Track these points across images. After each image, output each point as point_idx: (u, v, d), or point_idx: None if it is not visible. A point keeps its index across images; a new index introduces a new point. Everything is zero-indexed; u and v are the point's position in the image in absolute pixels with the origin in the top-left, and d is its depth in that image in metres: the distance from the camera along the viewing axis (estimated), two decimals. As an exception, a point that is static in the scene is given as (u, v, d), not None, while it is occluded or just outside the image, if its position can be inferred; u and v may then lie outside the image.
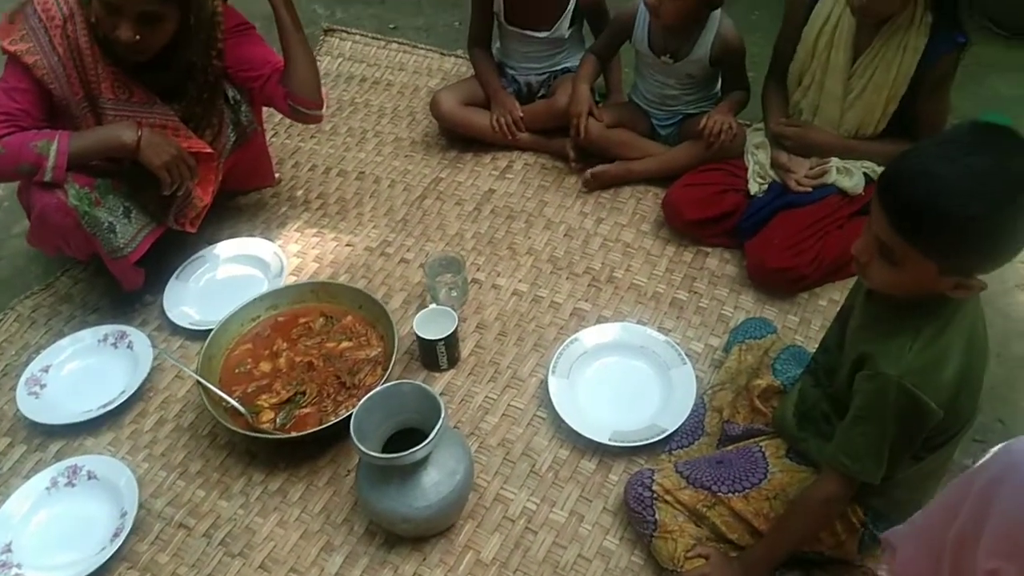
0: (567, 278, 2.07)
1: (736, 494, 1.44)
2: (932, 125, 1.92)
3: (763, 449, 1.49)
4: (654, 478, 1.48)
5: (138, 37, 1.65)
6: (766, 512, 1.42)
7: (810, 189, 1.98)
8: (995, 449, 0.92)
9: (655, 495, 1.46)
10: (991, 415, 1.78)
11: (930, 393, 1.15)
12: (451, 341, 1.79)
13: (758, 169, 2.07)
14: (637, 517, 1.48)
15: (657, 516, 1.45)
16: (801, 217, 1.95)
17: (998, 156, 1.04)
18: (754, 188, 2.06)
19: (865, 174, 1.98)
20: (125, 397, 1.79)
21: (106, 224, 1.79)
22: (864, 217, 2.00)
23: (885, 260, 1.15)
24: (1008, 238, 1.08)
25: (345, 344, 1.80)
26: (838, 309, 1.85)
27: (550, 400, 1.74)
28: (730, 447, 1.57)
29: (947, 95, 1.94)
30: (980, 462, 0.94)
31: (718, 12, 2.06)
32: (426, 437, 1.40)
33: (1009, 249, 1.11)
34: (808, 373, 1.51)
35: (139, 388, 1.82)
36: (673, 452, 1.65)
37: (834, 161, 1.99)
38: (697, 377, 1.77)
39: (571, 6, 2.25)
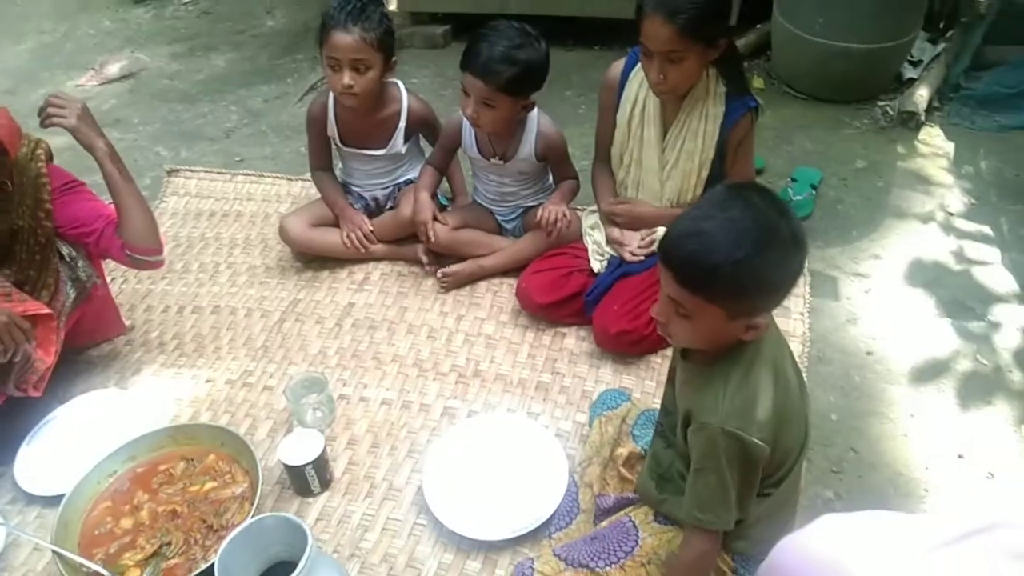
0: (434, 379, 2.10)
1: (613, 566, 1.47)
2: None
3: (633, 518, 1.54)
4: (534, 566, 1.50)
5: None
6: None
7: (643, 258, 2.12)
8: (765, 563, 1.00)
9: None
10: (843, 446, 1.90)
11: (752, 431, 1.24)
12: (319, 463, 1.78)
13: (596, 248, 2.21)
14: None
15: None
16: (636, 283, 2.08)
17: (747, 207, 1.18)
18: (596, 266, 2.19)
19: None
20: (-25, 583, 1.68)
21: (-62, 402, 1.71)
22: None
23: (680, 316, 1.25)
24: (773, 276, 1.20)
25: (209, 485, 1.76)
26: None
27: (428, 506, 1.74)
28: (604, 521, 1.61)
29: (751, 155, 2.13)
30: (758, 572, 1.01)
31: (535, 112, 2.21)
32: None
33: (778, 287, 1.23)
34: (658, 436, 1.59)
35: (-9, 570, 1.72)
36: (553, 536, 1.67)
37: (661, 230, 2.14)
38: (568, 455, 1.82)
39: (402, 124, 2.36)
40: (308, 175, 2.63)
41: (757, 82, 3.29)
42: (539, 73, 2.08)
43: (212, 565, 1.51)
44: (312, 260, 2.50)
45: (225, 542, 1.43)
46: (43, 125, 1.84)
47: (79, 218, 1.93)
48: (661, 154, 2.11)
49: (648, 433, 1.70)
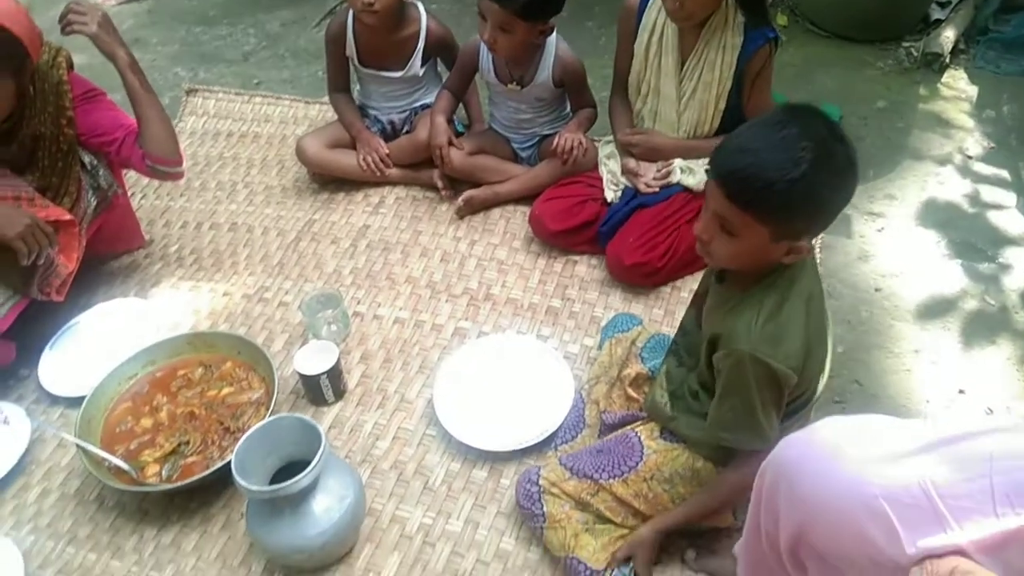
0: (446, 300, 2.14)
1: (616, 479, 1.51)
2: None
3: (639, 434, 1.57)
4: (540, 473, 1.54)
5: None
6: (644, 493, 1.50)
7: (658, 190, 2.12)
8: (768, 457, 1.03)
9: (542, 489, 1.52)
10: (848, 378, 1.93)
11: (781, 360, 1.26)
12: (334, 374, 1.83)
13: (611, 178, 2.21)
14: (527, 512, 1.54)
15: (545, 509, 1.51)
16: (652, 216, 2.09)
17: (802, 127, 1.18)
18: (610, 196, 2.19)
19: (707, 171, 2.14)
20: (4, 472, 1.75)
21: (-35, 300, 1.76)
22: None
23: (724, 233, 1.26)
24: (825, 199, 1.21)
25: (226, 390, 1.82)
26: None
27: (438, 418, 1.79)
28: (610, 435, 1.65)
29: (768, 88, 2.11)
30: (760, 468, 1.05)
31: (553, 37, 2.19)
32: (313, 467, 1.42)
33: (828, 210, 1.24)
34: (671, 355, 1.62)
35: (19, 462, 1.79)
36: (559, 448, 1.72)
37: (677, 162, 2.14)
38: (575, 376, 1.86)
39: (420, 46, 2.35)
40: (326, 99, 2.64)
41: (781, 19, 3.23)
42: None
43: (228, 463, 1.58)
44: (328, 182, 2.52)
45: (242, 439, 1.49)
46: (64, 32, 1.84)
47: (100, 126, 1.95)
48: (679, 84, 2.10)
49: (657, 357, 1.73)
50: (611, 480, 1.51)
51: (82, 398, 1.82)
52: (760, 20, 1.99)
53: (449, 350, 1.99)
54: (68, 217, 1.90)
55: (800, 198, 1.17)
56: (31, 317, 1.99)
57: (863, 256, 2.25)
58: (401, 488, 1.71)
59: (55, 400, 1.93)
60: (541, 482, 1.53)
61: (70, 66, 1.93)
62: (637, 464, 1.52)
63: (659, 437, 1.56)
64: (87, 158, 2.00)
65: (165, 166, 1.97)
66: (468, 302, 2.13)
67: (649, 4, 2.09)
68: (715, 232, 1.27)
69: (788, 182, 1.15)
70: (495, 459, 1.74)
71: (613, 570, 1.47)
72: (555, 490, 1.52)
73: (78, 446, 1.66)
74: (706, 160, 2.14)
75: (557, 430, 1.74)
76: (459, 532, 1.63)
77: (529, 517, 1.55)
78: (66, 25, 1.83)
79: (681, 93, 2.11)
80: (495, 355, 1.93)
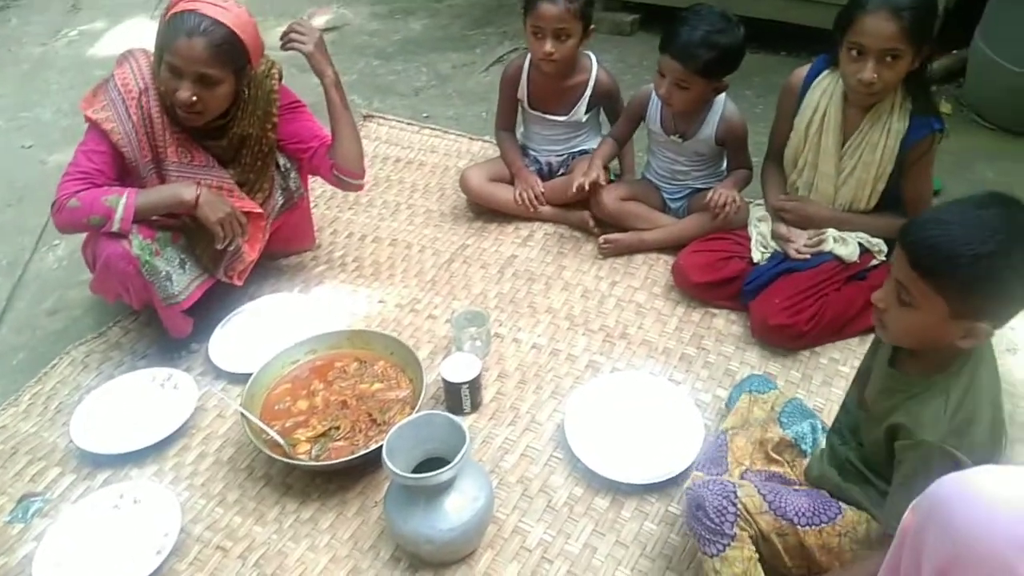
0: (583, 334, 2.21)
1: (812, 527, 1.45)
2: (917, 201, 2.11)
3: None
4: (738, 495, 1.44)
5: (195, 98, 1.86)
6: (832, 547, 1.45)
7: (809, 256, 2.14)
8: (917, 499, 1.02)
9: (739, 513, 1.43)
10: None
11: (966, 451, 1.23)
12: (475, 385, 1.93)
13: (760, 239, 2.24)
14: (712, 528, 1.43)
15: (736, 531, 1.43)
16: (800, 280, 2.10)
17: (1003, 210, 1.19)
18: (757, 256, 2.22)
19: (860, 244, 2.14)
20: (169, 432, 1.93)
21: (163, 273, 1.98)
22: (859, 282, 2.14)
23: (902, 304, 1.26)
24: (1009, 284, 1.19)
25: (377, 386, 1.95)
26: (838, 368, 1.98)
27: (567, 442, 1.85)
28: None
29: (929, 174, 2.12)
30: (912, 504, 1.03)
31: (723, 96, 2.28)
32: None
33: (1011, 298, 1.22)
34: (833, 432, 1.60)
35: (182, 425, 1.96)
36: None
37: (830, 231, 2.15)
38: (705, 425, 1.88)
39: (587, 93, 2.49)
40: (487, 136, 2.81)
41: (945, 107, 3.19)
42: (735, 57, 2.16)
43: (373, 450, 1.70)
44: (483, 212, 2.67)
45: (395, 427, 1.60)
46: (284, 48, 2.07)
47: (299, 135, 2.16)
48: (838, 161, 2.13)
49: (795, 423, 1.68)
50: (807, 527, 1.45)
51: (244, 375, 1.99)
52: (927, 108, 2.02)
53: (582, 380, 2.06)
54: (259, 210, 2.11)
55: (983, 275, 1.16)
56: (206, 298, 2.18)
57: (1012, 349, 2.17)
58: (525, 503, 1.77)
59: (220, 374, 2.12)
60: (739, 506, 1.44)
61: (280, 78, 2.16)
62: (835, 517, 1.47)
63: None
64: (282, 161, 2.22)
65: (350, 177, 2.17)
66: (604, 338, 2.20)
67: (813, 84, 2.14)
68: (892, 302, 1.28)
69: (973, 256, 1.15)
70: (618, 490, 1.78)
71: None
72: (748, 518, 1.44)
73: (242, 415, 1.81)
74: (858, 233, 2.16)
75: (689, 467, 1.75)
76: (577, 553, 1.67)
77: (712, 534, 1.43)
78: (287, 42, 2.06)
79: (840, 170, 2.14)
80: (627, 391, 1.98)
